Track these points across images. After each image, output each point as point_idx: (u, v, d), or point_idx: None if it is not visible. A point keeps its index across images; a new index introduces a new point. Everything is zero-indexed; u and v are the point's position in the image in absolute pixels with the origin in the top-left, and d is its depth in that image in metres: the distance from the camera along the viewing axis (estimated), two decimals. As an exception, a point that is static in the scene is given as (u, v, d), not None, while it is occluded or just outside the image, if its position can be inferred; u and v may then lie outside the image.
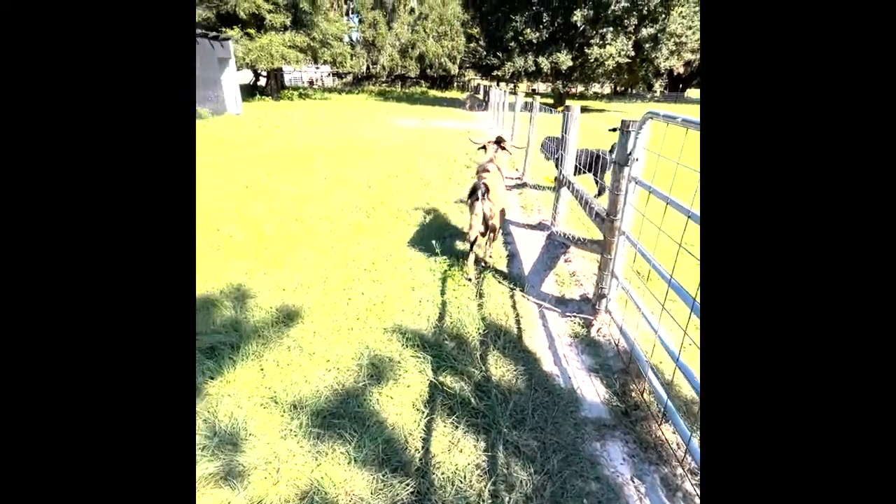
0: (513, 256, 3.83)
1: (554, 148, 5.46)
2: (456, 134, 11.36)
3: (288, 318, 2.65)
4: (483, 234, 3.21)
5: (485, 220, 3.07)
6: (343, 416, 1.91)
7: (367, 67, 36.43)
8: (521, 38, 20.14)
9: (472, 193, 2.99)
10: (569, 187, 3.81)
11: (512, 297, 3.07)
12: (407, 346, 2.41)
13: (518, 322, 2.74)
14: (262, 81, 25.41)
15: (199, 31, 13.91)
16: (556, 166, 6.64)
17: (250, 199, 5.03)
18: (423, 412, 1.96)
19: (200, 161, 6.96)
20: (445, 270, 3.27)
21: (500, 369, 2.27)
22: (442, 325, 2.63)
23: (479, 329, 2.60)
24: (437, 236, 4.05)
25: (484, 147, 3.86)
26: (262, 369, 2.20)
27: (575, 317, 2.84)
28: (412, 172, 6.65)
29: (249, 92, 23.44)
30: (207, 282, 3.07)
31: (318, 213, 4.54)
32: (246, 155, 7.61)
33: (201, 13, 19.67)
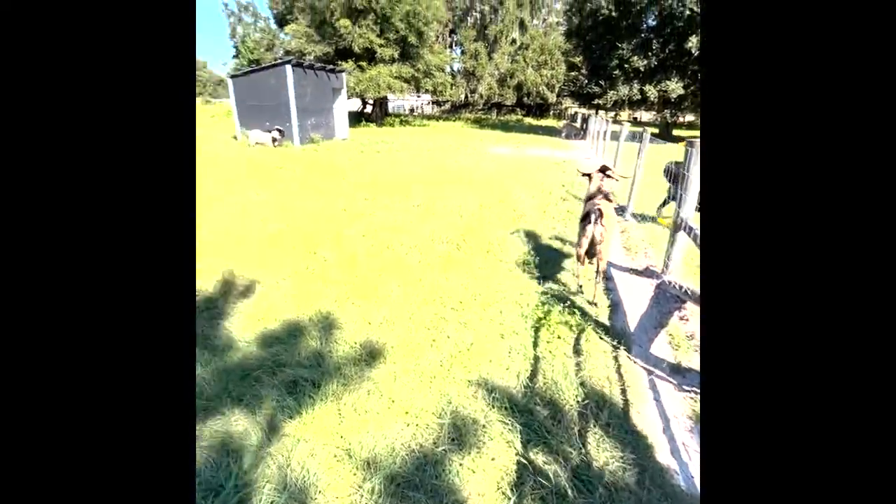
0: (616, 306, 3.39)
1: (676, 174, 4.88)
2: (551, 163, 10.99)
3: (370, 356, 2.52)
4: (589, 257, 3.29)
5: (592, 244, 3.16)
6: (419, 488, 1.68)
7: (466, 96, 37.66)
8: (626, 65, 19.29)
9: (586, 217, 3.16)
10: (689, 233, 3.29)
11: (615, 357, 2.65)
12: (493, 407, 2.13)
13: (624, 392, 2.33)
14: (369, 109, 27.23)
15: (317, 63, 15.29)
16: (667, 201, 6.00)
17: (347, 223, 5.17)
18: (510, 498, 1.65)
19: (305, 183, 7.42)
20: (539, 319, 2.95)
21: (604, 454, 1.89)
22: (534, 385, 2.31)
23: (577, 396, 2.24)
24: (530, 275, 3.74)
25: (588, 175, 3.81)
26: (339, 413, 2.06)
27: (696, 393, 2.35)
28: (505, 203, 6.44)
29: (356, 118, 25.33)
30: (300, 307, 3.08)
31: (409, 242, 4.49)
32: (347, 178, 7.99)
33: (322, 48, 21.79)
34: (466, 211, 5.86)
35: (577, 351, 2.68)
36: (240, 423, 2.00)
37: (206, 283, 3.48)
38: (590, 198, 3.48)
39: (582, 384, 2.35)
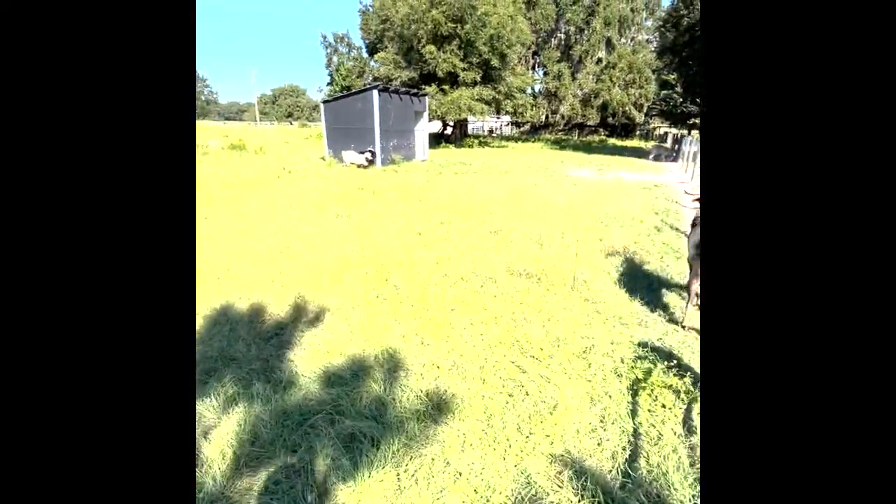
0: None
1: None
2: (640, 188, 10.11)
3: (437, 409, 2.20)
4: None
5: None
6: None
7: (546, 116, 37.10)
8: (729, 82, 17.56)
9: (698, 247, 2.93)
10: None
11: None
12: (583, 498, 1.69)
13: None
14: (449, 130, 27.62)
15: (402, 88, 15.86)
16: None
17: (421, 248, 4.97)
18: None
19: (383, 204, 7.43)
20: (637, 379, 2.44)
21: None
22: (635, 472, 1.83)
23: (694, 495, 1.73)
24: (623, 321, 3.21)
25: (700, 200, 3.18)
26: (398, 481, 1.76)
27: None
28: (590, 231, 5.88)
29: (436, 139, 25.85)
30: (367, 340, 2.94)
31: (484, 272, 4.16)
32: (424, 200, 7.90)
33: (408, 73, 22.71)
34: (547, 239, 5.41)
35: (689, 427, 2.14)
36: (291, 481, 1.77)
37: (280, 307, 3.42)
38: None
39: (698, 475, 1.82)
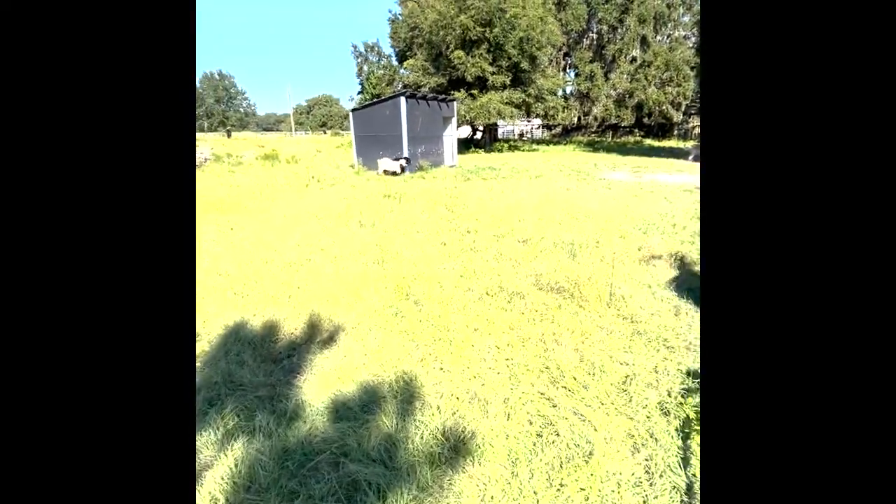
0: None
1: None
2: (680, 191, 9.50)
3: (454, 451, 1.93)
4: None
5: None
6: None
7: (578, 118, 36.18)
8: (776, 76, 16.53)
9: None
10: None
11: None
12: (627, 578, 1.37)
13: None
14: (479, 135, 27.14)
15: (430, 94, 15.75)
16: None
17: (446, 259, 4.71)
18: None
19: (408, 212, 7.24)
20: (689, 419, 2.08)
21: None
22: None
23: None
24: (668, 344, 2.83)
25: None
26: (406, 545, 1.48)
27: None
28: (628, 240, 5.46)
29: (466, 144, 25.59)
30: (382, 364, 2.74)
31: (510, 286, 3.85)
32: (451, 207, 7.65)
33: (437, 80, 22.63)
34: (580, 248, 5.03)
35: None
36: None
37: (294, 325, 3.24)
38: None
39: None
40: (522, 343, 2.91)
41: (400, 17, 28.04)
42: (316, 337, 3.10)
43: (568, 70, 36.46)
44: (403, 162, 13.63)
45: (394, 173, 13.38)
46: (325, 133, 74.21)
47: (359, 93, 33.89)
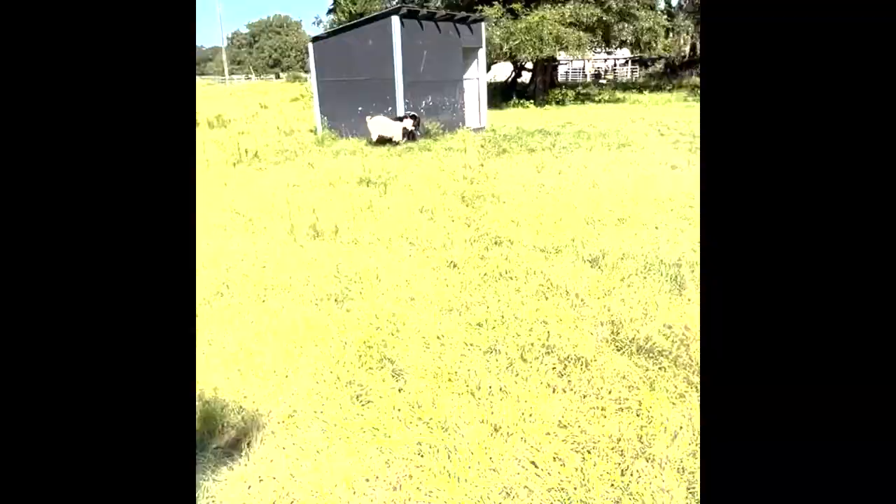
0: None
1: None
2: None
3: None
4: None
5: None
6: None
7: (692, 48, 24.49)
8: None
9: None
10: None
11: None
12: None
13: None
14: (525, 77, 19.81)
15: (442, 11, 11.87)
16: None
17: (455, 293, 3.59)
18: None
19: (397, 216, 5.69)
20: None
21: None
22: None
23: None
24: None
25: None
26: None
27: None
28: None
29: (504, 93, 19.11)
30: (390, 436, 1.82)
31: (568, 342, 3.02)
32: (470, 200, 5.95)
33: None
34: (693, 274, 3.28)
35: None
36: None
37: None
38: None
39: None
40: (584, 462, 2.06)
41: None
42: (209, 442, 1.92)
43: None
44: (409, 124, 10.10)
45: (391, 142, 10.13)
46: (277, 77, 58.05)
47: (330, 11, 24.74)
